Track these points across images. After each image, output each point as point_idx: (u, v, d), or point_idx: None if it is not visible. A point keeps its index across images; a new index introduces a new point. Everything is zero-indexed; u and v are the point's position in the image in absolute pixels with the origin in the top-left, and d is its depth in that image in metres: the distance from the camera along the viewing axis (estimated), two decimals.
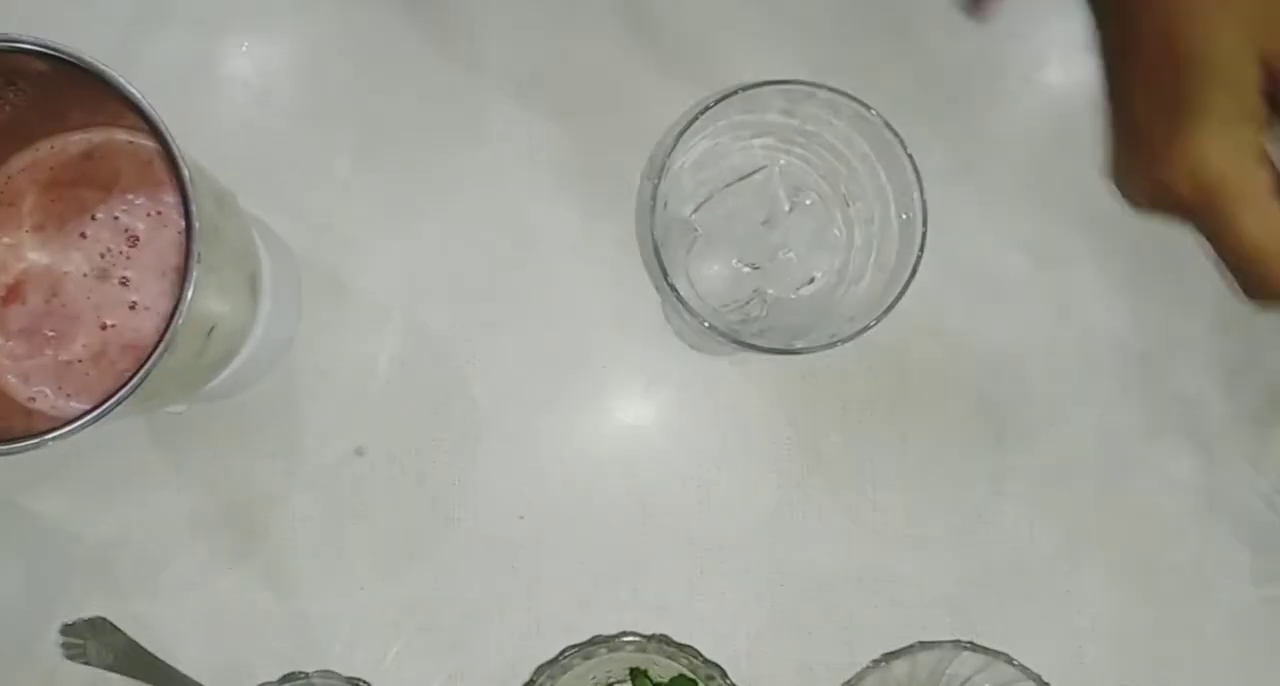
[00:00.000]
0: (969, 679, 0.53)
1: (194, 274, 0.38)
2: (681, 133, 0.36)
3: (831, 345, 0.37)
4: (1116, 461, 0.56)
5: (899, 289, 0.36)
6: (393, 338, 0.55)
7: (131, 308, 0.46)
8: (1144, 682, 0.55)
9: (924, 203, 0.36)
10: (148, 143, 0.46)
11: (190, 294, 0.38)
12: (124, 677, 0.50)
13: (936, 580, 0.55)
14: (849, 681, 0.53)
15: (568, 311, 0.56)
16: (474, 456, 0.55)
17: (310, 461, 0.54)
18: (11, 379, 0.46)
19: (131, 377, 0.37)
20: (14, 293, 0.46)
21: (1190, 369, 0.56)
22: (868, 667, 0.52)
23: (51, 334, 0.46)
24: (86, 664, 0.48)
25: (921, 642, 0.52)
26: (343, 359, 0.55)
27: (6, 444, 0.38)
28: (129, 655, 0.48)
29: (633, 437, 0.56)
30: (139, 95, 0.38)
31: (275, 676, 0.51)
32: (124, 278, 0.46)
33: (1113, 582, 0.55)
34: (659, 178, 0.37)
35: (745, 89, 0.36)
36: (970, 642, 0.51)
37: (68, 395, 0.46)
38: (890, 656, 0.52)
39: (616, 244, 0.55)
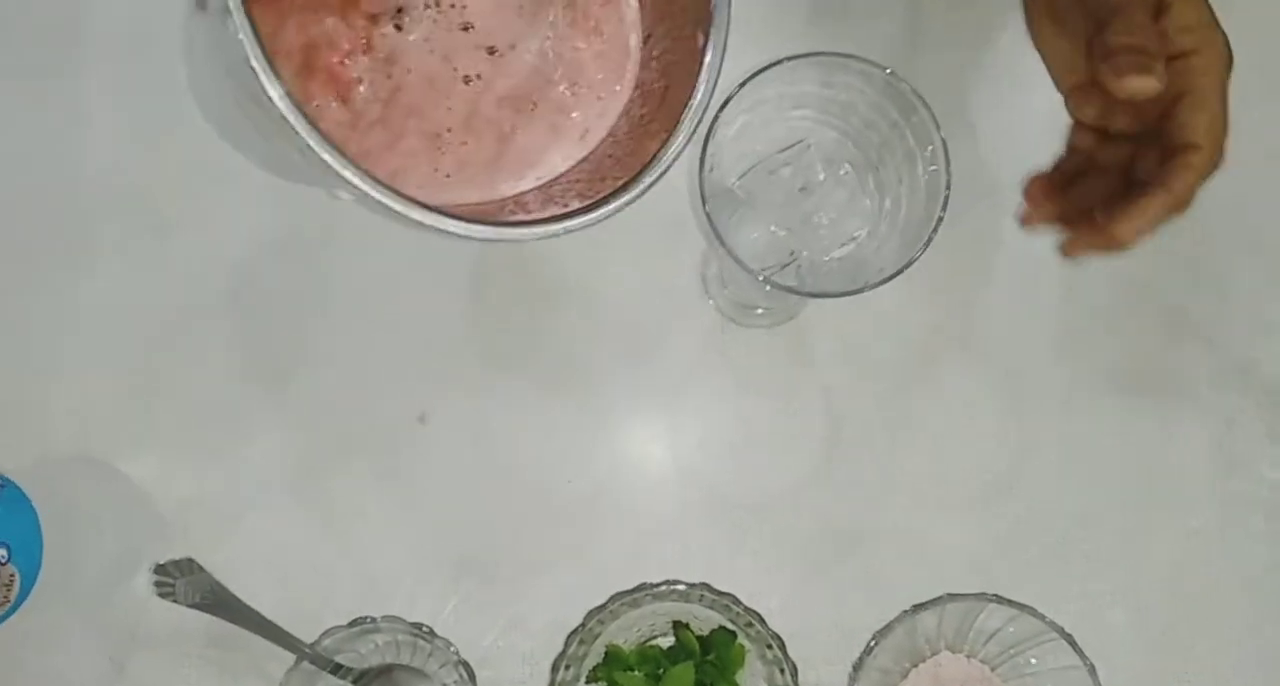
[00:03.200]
0: (996, 632, 0.55)
1: None
2: (727, 101, 0.40)
3: (878, 284, 0.40)
4: (1138, 428, 0.59)
5: (933, 220, 0.40)
6: (455, 304, 0.59)
7: (491, 52, 0.39)
8: (1160, 643, 0.57)
9: (945, 147, 0.40)
10: None
11: None
12: (205, 623, 0.54)
13: (963, 541, 0.58)
14: (878, 632, 0.55)
15: (614, 286, 0.59)
16: (527, 422, 0.58)
17: (374, 423, 0.58)
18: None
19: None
20: (346, 86, 0.39)
21: (1208, 338, 0.59)
22: (897, 619, 0.55)
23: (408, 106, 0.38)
24: (175, 602, 0.51)
25: (950, 594, 0.55)
26: (408, 322, 0.59)
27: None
28: (215, 594, 0.52)
29: (673, 406, 0.59)
30: None
31: (344, 621, 0.55)
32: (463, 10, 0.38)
33: (1132, 546, 0.58)
34: (705, 143, 0.41)
35: (787, 60, 0.40)
36: (996, 595, 0.54)
37: (446, 176, 0.40)
38: (919, 607, 0.55)
39: (660, 223, 0.59)
